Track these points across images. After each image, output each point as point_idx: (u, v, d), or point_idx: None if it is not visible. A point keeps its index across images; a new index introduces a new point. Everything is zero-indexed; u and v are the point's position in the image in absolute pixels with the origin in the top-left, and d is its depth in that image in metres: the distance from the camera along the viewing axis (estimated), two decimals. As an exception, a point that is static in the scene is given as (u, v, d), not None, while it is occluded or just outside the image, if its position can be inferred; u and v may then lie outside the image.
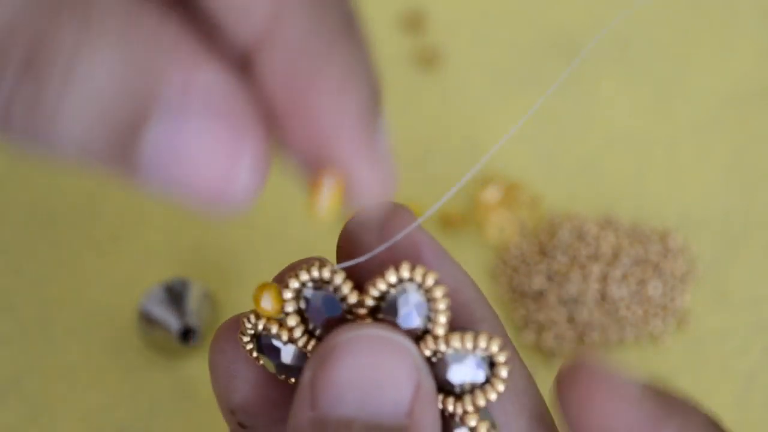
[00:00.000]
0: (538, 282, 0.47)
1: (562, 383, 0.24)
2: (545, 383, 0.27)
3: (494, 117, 0.53)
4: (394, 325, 0.24)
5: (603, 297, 0.47)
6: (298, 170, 0.20)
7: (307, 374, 0.23)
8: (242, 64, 0.19)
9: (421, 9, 0.57)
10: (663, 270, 0.47)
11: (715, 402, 0.45)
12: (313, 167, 0.20)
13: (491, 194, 0.49)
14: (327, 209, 0.20)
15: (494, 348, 0.24)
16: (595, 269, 0.47)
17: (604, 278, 0.47)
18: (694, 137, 0.53)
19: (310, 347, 0.25)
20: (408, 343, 0.24)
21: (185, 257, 0.48)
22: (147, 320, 0.44)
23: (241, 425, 0.27)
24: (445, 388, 0.25)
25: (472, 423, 0.24)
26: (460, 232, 0.49)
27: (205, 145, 0.18)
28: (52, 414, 0.44)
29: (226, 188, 0.19)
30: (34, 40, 0.17)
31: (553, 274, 0.47)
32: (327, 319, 0.25)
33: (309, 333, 0.25)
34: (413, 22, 0.56)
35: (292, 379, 0.26)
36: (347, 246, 0.25)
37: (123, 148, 0.18)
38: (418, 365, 0.23)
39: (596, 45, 0.56)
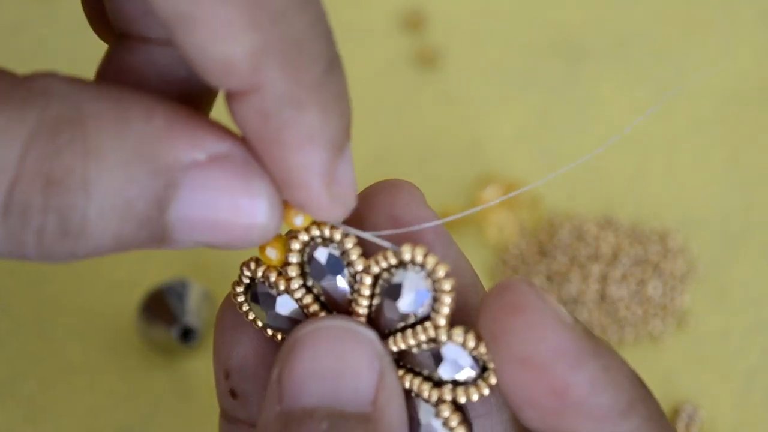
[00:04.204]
0: (537, 282, 0.47)
1: (489, 301, 0.23)
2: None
3: (494, 117, 0.53)
4: (359, 315, 0.24)
5: (603, 297, 0.47)
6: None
7: (275, 370, 0.23)
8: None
9: (421, 9, 0.57)
10: (663, 270, 0.47)
11: (715, 402, 0.45)
12: (284, 193, 0.22)
13: (491, 194, 0.49)
14: (299, 222, 0.23)
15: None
16: (595, 269, 0.47)
17: (603, 278, 0.47)
18: (693, 137, 0.53)
19: (304, 301, 0.25)
20: (369, 333, 0.24)
21: (185, 257, 0.48)
22: (147, 320, 0.44)
23: (233, 394, 0.27)
24: (422, 373, 0.24)
25: (446, 413, 0.24)
26: (460, 232, 0.49)
27: (225, 205, 0.21)
28: (51, 414, 0.44)
29: (250, 233, 0.22)
30: (46, 163, 0.20)
31: (552, 274, 0.47)
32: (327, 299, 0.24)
33: (306, 288, 0.25)
34: (413, 22, 0.56)
35: (279, 336, 0.26)
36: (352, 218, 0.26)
37: (153, 231, 0.21)
38: (380, 354, 0.23)
39: (596, 45, 0.56)
